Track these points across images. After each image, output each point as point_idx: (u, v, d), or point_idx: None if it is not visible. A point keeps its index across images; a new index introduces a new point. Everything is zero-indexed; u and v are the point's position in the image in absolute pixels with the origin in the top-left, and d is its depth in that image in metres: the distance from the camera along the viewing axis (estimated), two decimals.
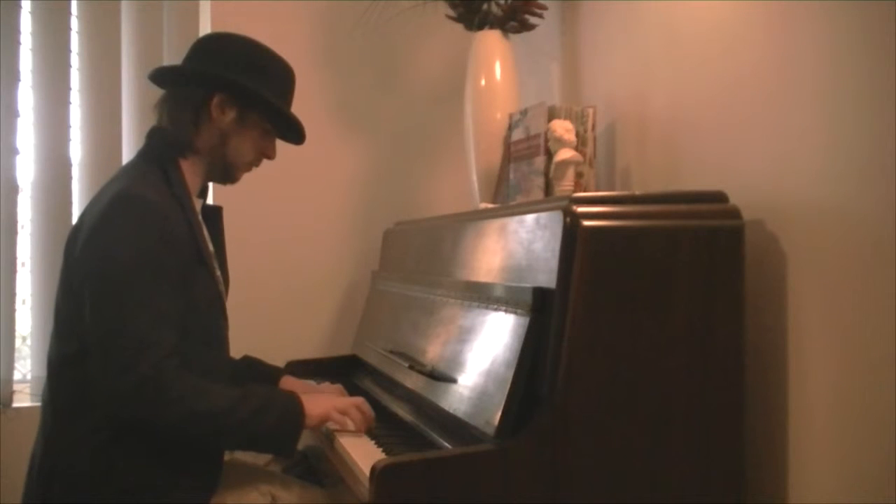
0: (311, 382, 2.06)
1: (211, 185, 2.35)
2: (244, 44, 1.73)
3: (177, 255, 1.55)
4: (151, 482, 1.54)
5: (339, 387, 2.00)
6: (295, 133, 1.79)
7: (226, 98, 1.66)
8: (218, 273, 1.72)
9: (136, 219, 1.52)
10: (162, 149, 1.67)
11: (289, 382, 1.98)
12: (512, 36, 2.28)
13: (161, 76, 1.73)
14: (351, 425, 1.68)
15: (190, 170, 1.68)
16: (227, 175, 1.75)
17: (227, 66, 1.67)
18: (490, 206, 2.11)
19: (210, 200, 2.46)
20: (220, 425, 1.51)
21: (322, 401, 1.67)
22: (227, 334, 1.73)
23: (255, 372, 1.98)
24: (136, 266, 1.49)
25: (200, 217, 1.71)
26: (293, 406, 1.60)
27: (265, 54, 1.73)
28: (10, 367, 2.34)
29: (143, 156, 1.68)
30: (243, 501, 1.70)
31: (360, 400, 1.74)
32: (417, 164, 2.68)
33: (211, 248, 1.72)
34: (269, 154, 1.77)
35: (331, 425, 1.69)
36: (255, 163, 1.76)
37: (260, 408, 1.55)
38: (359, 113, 2.64)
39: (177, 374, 1.47)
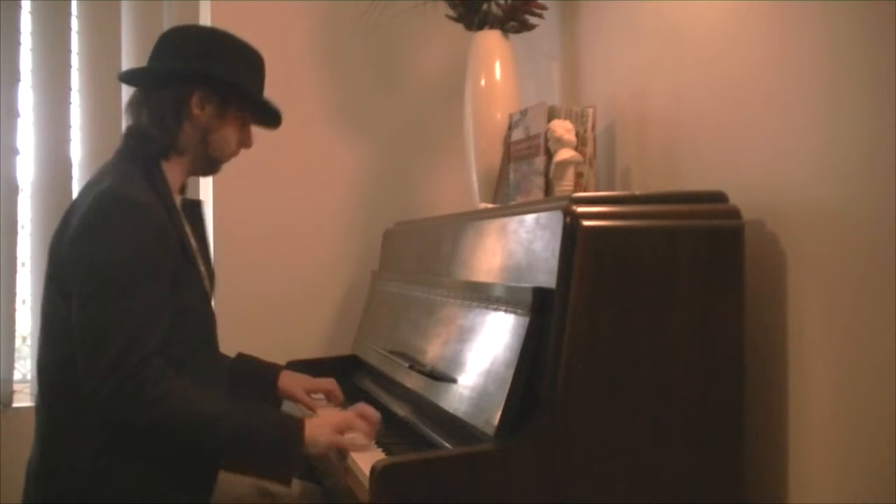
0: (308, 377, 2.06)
1: (207, 183, 2.37)
2: (212, 35, 1.71)
3: (168, 254, 1.54)
4: (149, 484, 1.53)
5: (331, 380, 2.01)
6: (272, 117, 1.76)
7: (206, 93, 1.64)
8: (202, 269, 1.69)
9: (126, 219, 1.51)
10: (143, 149, 1.64)
11: (286, 377, 1.98)
12: (512, 36, 2.28)
13: (133, 77, 1.71)
14: (361, 438, 1.60)
15: (172, 168, 1.66)
16: (210, 168, 1.74)
17: (202, 60, 1.64)
18: (490, 206, 2.11)
19: (210, 199, 2.47)
20: (204, 433, 1.48)
21: (325, 426, 1.55)
22: (215, 330, 1.71)
23: (251, 369, 1.97)
24: (130, 267, 1.48)
25: (181, 214, 1.69)
26: (292, 426, 1.52)
27: (233, 42, 1.70)
28: (10, 367, 2.34)
29: (123, 155, 1.65)
30: (243, 502, 1.70)
31: (360, 407, 1.65)
32: (417, 164, 2.68)
33: (194, 244, 1.70)
34: (248, 143, 1.74)
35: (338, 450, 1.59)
36: (235, 153, 1.74)
37: (250, 422, 1.49)
38: (359, 113, 2.64)
39: (162, 374, 1.46)
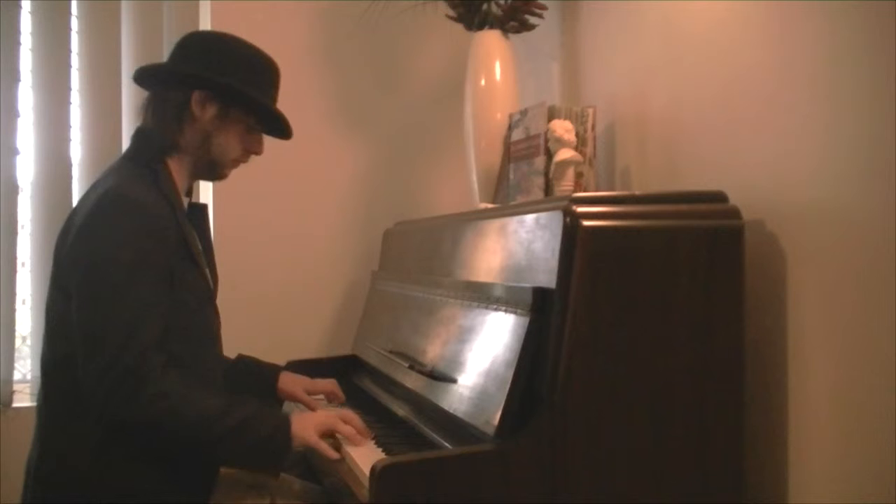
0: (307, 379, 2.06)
1: (206, 184, 2.37)
2: (222, 41, 1.71)
3: (167, 253, 1.55)
4: (148, 483, 1.54)
5: (332, 381, 2.01)
6: (280, 127, 1.76)
7: (206, 95, 1.64)
8: (206, 270, 1.71)
9: (126, 217, 1.52)
10: (148, 149, 1.65)
11: (287, 378, 1.99)
12: (512, 36, 2.28)
13: (144, 77, 1.72)
14: (338, 447, 1.62)
15: (177, 169, 1.67)
16: (213, 172, 1.74)
17: (204, 63, 1.65)
18: (490, 206, 2.11)
19: (210, 200, 2.47)
20: (202, 431, 1.50)
21: (309, 427, 1.59)
22: (219, 331, 1.72)
23: (251, 370, 1.98)
24: (127, 264, 1.49)
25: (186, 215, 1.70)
26: (282, 424, 1.56)
27: (244, 50, 1.70)
28: (10, 367, 2.34)
29: (130, 157, 1.67)
30: (242, 502, 1.70)
31: (347, 413, 1.67)
32: (417, 164, 2.68)
33: (199, 245, 1.71)
34: (256, 150, 1.74)
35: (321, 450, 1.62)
36: (242, 159, 1.74)
37: (247, 419, 1.52)
38: (359, 113, 2.64)
39: (162, 371, 1.47)
